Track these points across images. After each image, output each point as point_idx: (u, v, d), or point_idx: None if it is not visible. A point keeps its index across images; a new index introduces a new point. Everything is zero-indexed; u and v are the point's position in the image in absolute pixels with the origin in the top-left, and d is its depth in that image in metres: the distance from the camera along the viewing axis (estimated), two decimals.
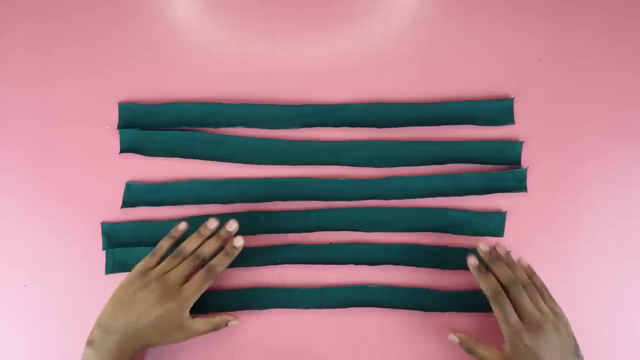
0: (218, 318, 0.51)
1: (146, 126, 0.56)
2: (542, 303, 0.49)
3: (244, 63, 0.58)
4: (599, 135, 0.58)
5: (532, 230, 0.56)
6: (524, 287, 0.49)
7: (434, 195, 0.56)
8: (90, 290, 0.54)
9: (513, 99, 0.57)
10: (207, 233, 0.51)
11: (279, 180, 0.56)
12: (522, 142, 0.57)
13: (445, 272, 0.55)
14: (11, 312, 0.54)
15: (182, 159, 0.56)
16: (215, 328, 0.50)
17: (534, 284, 0.51)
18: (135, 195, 0.56)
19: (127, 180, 0.56)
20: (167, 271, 0.49)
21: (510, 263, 0.52)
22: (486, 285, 0.49)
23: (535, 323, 0.47)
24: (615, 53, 0.59)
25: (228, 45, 0.58)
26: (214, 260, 0.50)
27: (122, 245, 0.55)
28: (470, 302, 0.54)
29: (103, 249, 0.55)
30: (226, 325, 0.51)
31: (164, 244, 0.51)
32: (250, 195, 0.56)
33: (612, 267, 0.56)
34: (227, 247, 0.51)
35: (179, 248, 0.51)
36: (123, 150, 0.56)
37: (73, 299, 0.54)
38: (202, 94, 0.57)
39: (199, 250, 0.51)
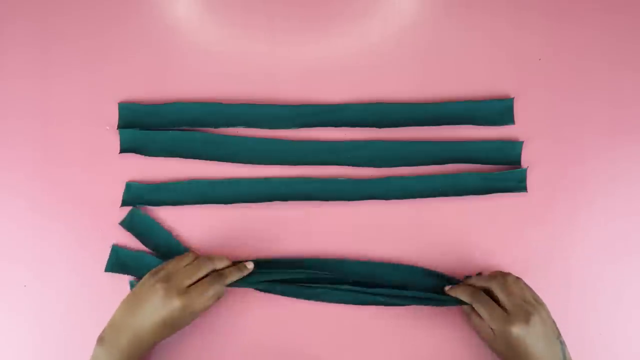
0: (212, 291, 0.49)
1: (146, 126, 0.56)
2: (525, 292, 0.49)
3: (244, 63, 0.58)
4: (599, 134, 0.58)
5: (532, 230, 0.56)
6: (501, 283, 0.49)
7: (434, 195, 0.56)
8: (91, 289, 0.54)
9: (513, 99, 0.57)
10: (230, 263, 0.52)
11: (279, 180, 0.56)
12: (522, 142, 0.57)
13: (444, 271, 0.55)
14: (11, 311, 0.54)
15: (182, 159, 0.56)
16: (219, 297, 0.50)
17: (509, 278, 0.51)
18: (135, 195, 0.56)
19: (127, 180, 0.56)
20: (176, 273, 0.49)
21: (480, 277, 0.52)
22: (463, 293, 0.50)
23: (522, 313, 0.47)
24: (616, 53, 0.59)
25: (228, 45, 0.58)
26: (225, 270, 0.51)
27: (126, 271, 0.54)
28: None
29: (106, 271, 0.54)
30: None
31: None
32: (250, 195, 0.56)
33: (612, 267, 0.56)
34: (240, 264, 0.52)
35: (198, 260, 0.51)
36: (123, 150, 0.56)
37: (73, 298, 0.54)
38: (202, 94, 0.57)
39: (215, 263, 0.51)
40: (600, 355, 0.54)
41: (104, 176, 0.56)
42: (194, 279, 0.49)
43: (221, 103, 0.57)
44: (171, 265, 0.50)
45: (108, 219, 0.55)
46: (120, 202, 0.55)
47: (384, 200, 0.56)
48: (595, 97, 0.58)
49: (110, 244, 0.55)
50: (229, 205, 0.56)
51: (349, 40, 0.59)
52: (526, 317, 0.46)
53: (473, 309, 0.50)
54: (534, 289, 0.50)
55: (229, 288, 0.52)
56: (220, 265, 0.51)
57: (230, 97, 0.57)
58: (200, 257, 0.51)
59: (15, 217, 0.55)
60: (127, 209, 0.55)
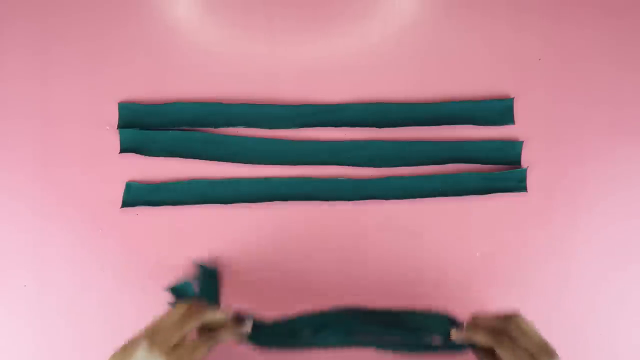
0: (200, 352, 0.43)
1: (146, 126, 0.56)
2: (538, 331, 0.45)
3: (244, 63, 0.58)
4: (599, 135, 0.58)
5: (532, 230, 0.56)
6: (517, 324, 0.44)
7: (434, 195, 0.56)
8: (91, 289, 0.54)
9: (513, 99, 0.57)
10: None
11: (279, 180, 0.56)
12: (522, 142, 0.57)
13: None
14: (11, 312, 0.54)
15: (182, 159, 0.56)
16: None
17: (523, 319, 0.45)
18: (135, 195, 0.56)
19: (127, 180, 0.56)
20: (163, 329, 0.43)
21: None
22: (480, 336, 0.45)
23: (548, 353, 0.42)
24: (615, 53, 0.59)
25: (228, 46, 0.58)
26: (219, 329, 0.45)
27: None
28: None
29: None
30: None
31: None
32: (250, 195, 0.56)
33: (612, 267, 0.56)
34: (237, 327, 0.46)
35: (189, 312, 0.45)
36: (123, 150, 0.56)
37: (73, 298, 0.54)
38: (202, 94, 0.57)
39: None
40: (600, 356, 0.54)
41: (104, 176, 0.56)
42: (181, 335, 0.43)
43: (221, 103, 0.57)
44: (159, 319, 0.44)
45: (108, 219, 0.55)
46: (120, 202, 0.55)
47: (384, 200, 0.56)
48: (595, 97, 0.58)
49: (111, 243, 0.55)
50: (229, 205, 0.56)
51: (349, 40, 0.59)
52: (552, 356, 0.42)
53: (486, 351, 0.45)
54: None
55: None
56: (213, 319, 0.45)
57: (230, 97, 0.57)
58: (192, 308, 0.44)
59: (15, 216, 0.55)
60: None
